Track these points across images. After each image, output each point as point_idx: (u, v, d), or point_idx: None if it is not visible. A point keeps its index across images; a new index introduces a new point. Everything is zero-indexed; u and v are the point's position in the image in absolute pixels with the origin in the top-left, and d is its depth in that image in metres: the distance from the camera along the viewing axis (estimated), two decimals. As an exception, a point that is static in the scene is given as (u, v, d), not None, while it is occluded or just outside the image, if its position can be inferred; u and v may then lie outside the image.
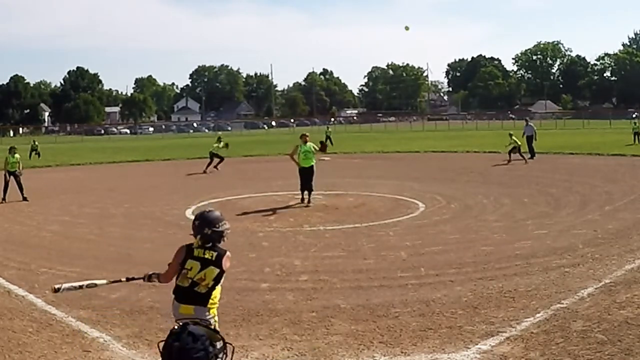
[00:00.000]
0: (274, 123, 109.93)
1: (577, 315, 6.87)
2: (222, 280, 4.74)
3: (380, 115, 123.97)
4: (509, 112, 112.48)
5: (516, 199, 15.82)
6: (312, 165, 15.97)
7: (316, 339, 6.35)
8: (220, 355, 4.36)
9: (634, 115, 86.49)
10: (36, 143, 40.38)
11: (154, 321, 7.12)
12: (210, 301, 4.66)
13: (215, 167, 26.81)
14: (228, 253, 4.81)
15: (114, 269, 9.65)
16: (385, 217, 13.71)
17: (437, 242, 10.98)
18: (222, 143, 27.83)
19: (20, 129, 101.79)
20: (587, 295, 7.61)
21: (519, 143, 27.21)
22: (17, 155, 18.70)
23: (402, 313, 7.19)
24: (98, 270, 9.53)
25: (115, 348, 6.35)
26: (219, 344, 4.39)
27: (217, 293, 4.72)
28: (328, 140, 39.63)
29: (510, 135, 27.93)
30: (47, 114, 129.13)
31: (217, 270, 4.71)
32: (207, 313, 4.61)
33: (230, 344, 4.52)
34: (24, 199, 17.99)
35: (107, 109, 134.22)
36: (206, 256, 4.80)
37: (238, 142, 46.90)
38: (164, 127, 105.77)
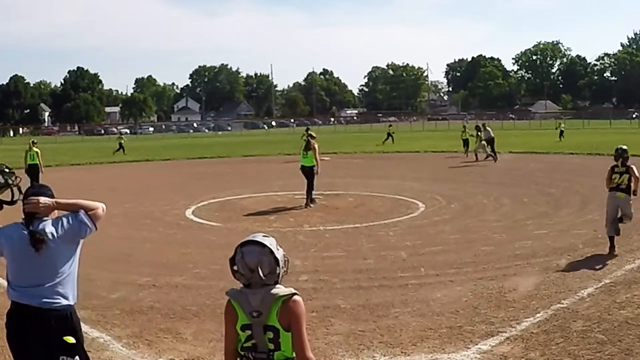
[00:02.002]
0: (274, 123, 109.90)
1: (577, 315, 6.87)
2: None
3: (380, 115, 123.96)
4: (509, 112, 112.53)
5: (516, 199, 15.82)
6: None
7: (316, 339, 6.34)
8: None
9: (634, 115, 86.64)
10: (123, 138, 43.58)
11: (154, 321, 7.12)
12: (630, 189, 9.75)
13: None
14: (633, 167, 9.73)
15: (114, 268, 9.67)
16: (385, 217, 13.70)
17: (437, 242, 10.97)
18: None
19: (20, 129, 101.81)
20: (587, 295, 7.61)
21: (467, 137, 30.69)
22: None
23: (402, 313, 7.19)
24: (98, 270, 9.53)
25: (115, 348, 6.35)
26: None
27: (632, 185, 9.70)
28: (390, 138, 41.89)
29: (464, 127, 31.94)
30: (47, 114, 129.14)
31: (627, 176, 9.69)
32: (630, 199, 9.82)
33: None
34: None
35: (107, 109, 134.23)
36: (622, 169, 9.78)
37: (238, 142, 46.89)
38: (164, 127, 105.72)
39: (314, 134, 16.86)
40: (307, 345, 3.22)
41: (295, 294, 3.24)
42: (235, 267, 3.25)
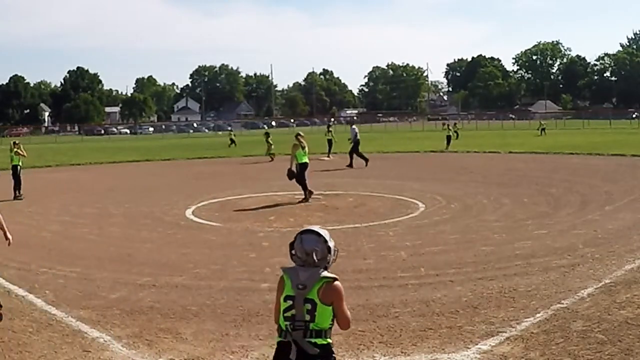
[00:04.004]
0: (274, 123, 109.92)
1: (577, 315, 6.87)
2: None
3: (380, 115, 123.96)
4: (509, 112, 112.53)
5: (516, 199, 15.81)
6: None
7: (316, 339, 6.34)
8: None
9: (634, 115, 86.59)
10: (233, 133, 48.85)
11: (154, 321, 7.12)
12: None
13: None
14: None
15: (114, 268, 9.67)
16: (385, 217, 13.69)
17: (437, 242, 10.96)
18: (332, 131, 32.23)
19: (21, 128, 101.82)
20: (587, 295, 7.61)
21: (450, 134, 37.11)
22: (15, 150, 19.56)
23: (402, 313, 7.19)
24: (98, 270, 9.54)
25: (115, 348, 6.35)
26: None
27: None
28: (455, 135, 42.44)
29: (448, 125, 38.85)
30: (47, 114, 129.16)
31: None
32: None
33: None
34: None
35: (107, 109, 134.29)
36: None
37: (238, 142, 46.92)
38: (164, 127, 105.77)
39: (302, 133, 17.35)
40: (347, 317, 3.89)
41: (336, 279, 3.82)
42: (293, 251, 3.88)
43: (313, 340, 3.77)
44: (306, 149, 16.56)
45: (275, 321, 3.98)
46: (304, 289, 3.76)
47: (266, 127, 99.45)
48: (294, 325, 3.78)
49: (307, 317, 3.75)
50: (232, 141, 45.28)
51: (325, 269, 3.84)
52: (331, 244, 3.87)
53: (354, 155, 26.79)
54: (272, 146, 32.78)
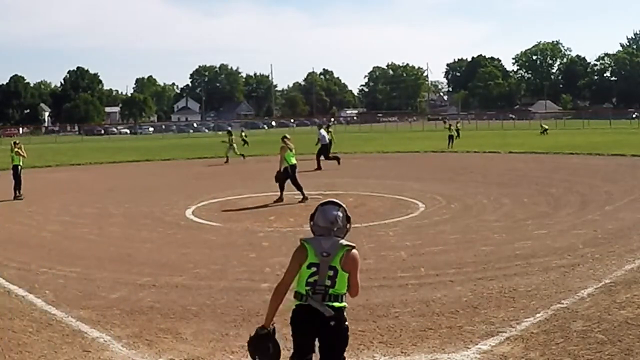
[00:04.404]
0: (274, 123, 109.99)
1: (577, 315, 6.87)
2: None
3: (380, 115, 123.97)
4: (509, 112, 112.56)
5: (516, 199, 15.81)
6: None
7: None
8: None
9: (634, 115, 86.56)
10: (244, 134, 47.45)
11: (154, 321, 7.12)
12: None
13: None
14: None
15: (114, 268, 9.66)
16: (385, 217, 13.69)
17: (437, 242, 10.96)
18: (332, 131, 31.22)
19: (20, 129, 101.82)
20: (587, 295, 7.61)
21: (452, 134, 37.84)
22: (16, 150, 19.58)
23: (402, 313, 7.19)
24: (98, 270, 9.54)
25: (115, 348, 6.35)
26: None
27: None
28: (457, 134, 42.39)
29: (449, 125, 40.15)
30: (47, 114, 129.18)
31: None
32: None
33: None
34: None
35: (107, 109, 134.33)
36: None
37: (238, 142, 46.92)
38: (164, 127, 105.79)
39: (288, 136, 17.37)
40: (358, 285, 4.21)
41: (354, 247, 4.18)
42: (312, 222, 4.26)
43: (331, 303, 4.08)
44: (293, 150, 16.67)
45: (279, 289, 4.24)
46: (328, 256, 4.09)
47: (266, 127, 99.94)
48: (314, 289, 4.08)
49: (328, 283, 4.07)
50: (245, 142, 44.54)
51: (342, 238, 4.20)
52: (348, 214, 4.30)
53: (327, 157, 26.86)
54: (234, 146, 32.16)
